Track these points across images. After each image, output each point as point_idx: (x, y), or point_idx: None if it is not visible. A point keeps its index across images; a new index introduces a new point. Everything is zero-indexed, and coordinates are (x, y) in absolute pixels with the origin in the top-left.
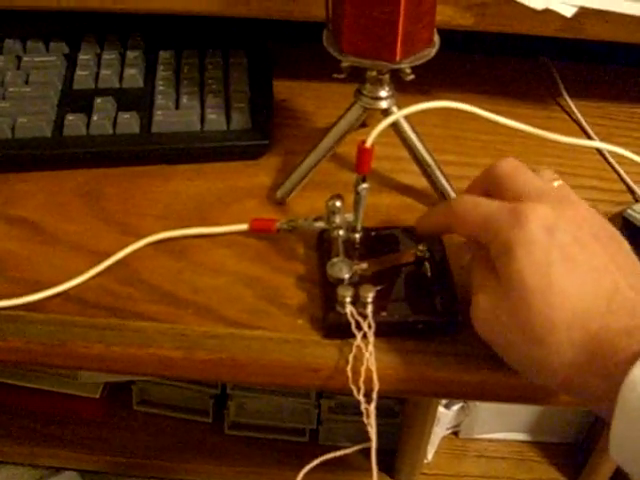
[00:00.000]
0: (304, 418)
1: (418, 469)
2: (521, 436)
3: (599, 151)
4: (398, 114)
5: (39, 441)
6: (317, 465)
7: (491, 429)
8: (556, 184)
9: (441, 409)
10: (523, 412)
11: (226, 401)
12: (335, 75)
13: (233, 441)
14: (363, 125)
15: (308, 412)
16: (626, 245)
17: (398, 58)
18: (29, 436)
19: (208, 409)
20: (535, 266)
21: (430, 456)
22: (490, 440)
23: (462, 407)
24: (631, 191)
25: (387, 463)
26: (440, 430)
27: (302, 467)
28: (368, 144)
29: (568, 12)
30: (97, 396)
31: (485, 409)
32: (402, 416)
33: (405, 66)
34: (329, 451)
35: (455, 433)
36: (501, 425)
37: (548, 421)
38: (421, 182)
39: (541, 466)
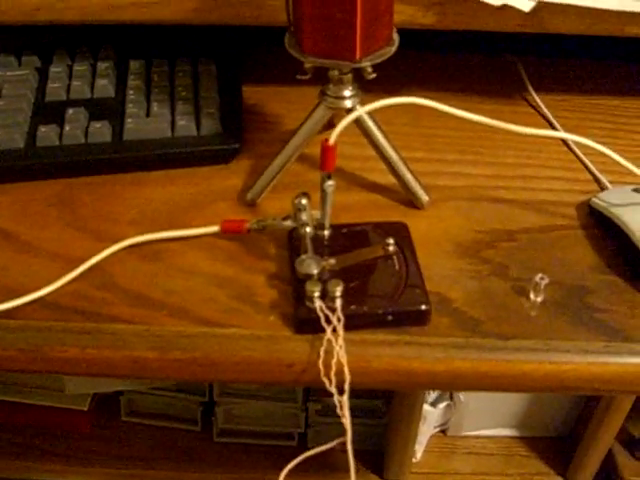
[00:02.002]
0: (292, 422)
1: (407, 468)
2: (509, 432)
3: (565, 142)
4: (360, 110)
5: (28, 455)
6: (304, 467)
7: (479, 426)
8: None
9: (427, 407)
10: (510, 408)
11: (213, 408)
12: (299, 76)
13: (222, 448)
14: (331, 126)
15: (295, 416)
16: None
17: (358, 57)
18: (18, 451)
19: (196, 417)
20: None
21: (419, 455)
22: (478, 437)
23: (448, 405)
24: (597, 180)
25: (376, 463)
26: (428, 429)
27: (292, 471)
28: (331, 142)
29: (526, 7)
30: (85, 408)
31: (472, 406)
32: (388, 416)
33: (366, 65)
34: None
35: (443, 431)
36: (488, 422)
37: (535, 416)
38: (388, 180)
39: (530, 461)
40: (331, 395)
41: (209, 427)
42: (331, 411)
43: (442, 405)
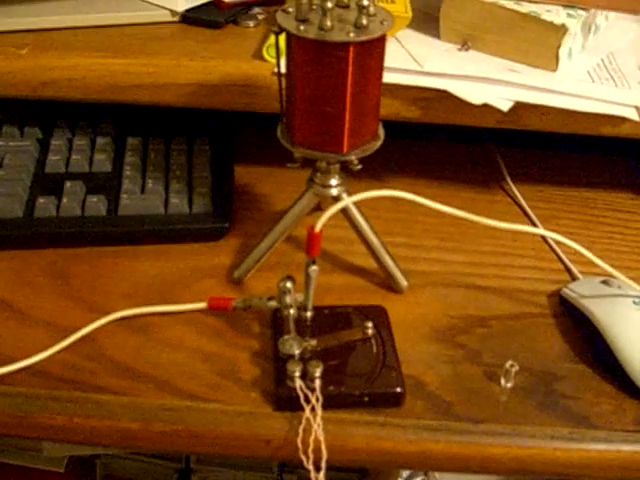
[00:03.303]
0: None
1: None
2: None
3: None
4: (346, 201)
5: None
6: None
7: None
8: None
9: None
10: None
11: (190, 476)
12: (289, 165)
13: None
14: (318, 208)
15: None
16: None
17: (345, 151)
18: None
19: None
20: None
21: None
22: None
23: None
24: (568, 270)
25: None
26: None
27: None
28: (317, 229)
29: (505, 106)
30: (62, 470)
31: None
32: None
33: (352, 158)
34: None
35: None
36: None
37: None
38: (371, 263)
39: None
40: (306, 468)
41: None
42: None
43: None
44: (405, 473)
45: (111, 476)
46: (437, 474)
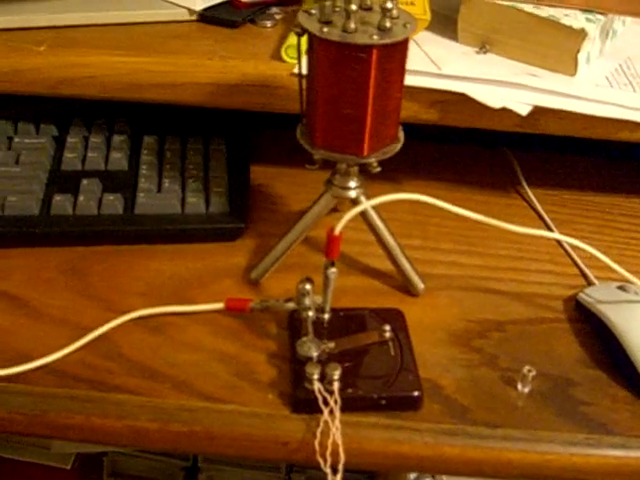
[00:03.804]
0: None
1: None
2: None
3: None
4: (366, 204)
5: None
6: None
7: None
8: None
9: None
10: None
11: (197, 474)
12: (308, 166)
13: None
14: (335, 210)
15: None
16: None
17: (366, 153)
18: None
19: None
20: None
21: None
22: None
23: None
24: (584, 275)
25: None
26: None
27: None
28: (336, 232)
29: (523, 110)
30: (68, 467)
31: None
32: None
33: (372, 160)
34: None
35: None
36: None
37: None
38: (387, 265)
39: None
40: (314, 468)
41: None
42: None
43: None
44: (413, 475)
45: (118, 473)
46: (444, 476)
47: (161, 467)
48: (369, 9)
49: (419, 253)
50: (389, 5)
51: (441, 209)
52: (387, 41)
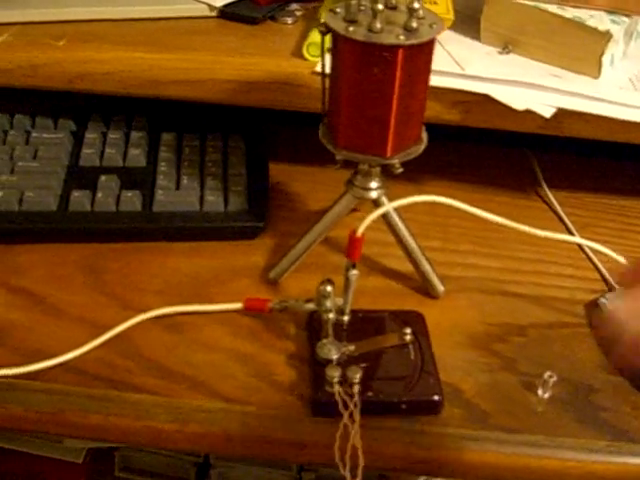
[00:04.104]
0: None
1: None
2: None
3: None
4: (388, 206)
5: None
6: None
7: None
8: None
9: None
10: None
11: (208, 470)
12: (330, 166)
13: None
14: (353, 210)
15: None
16: None
17: (389, 154)
18: None
19: (190, 477)
20: None
21: None
22: None
23: None
24: (604, 279)
25: None
26: None
27: None
28: (359, 233)
29: (547, 112)
30: (80, 461)
31: None
32: None
33: (395, 162)
34: None
35: None
36: None
37: None
38: (407, 267)
39: None
40: (326, 465)
41: None
42: None
43: None
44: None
45: (130, 468)
46: None
47: (173, 463)
48: (394, 8)
49: (438, 255)
50: (416, 5)
51: (460, 210)
52: (413, 41)
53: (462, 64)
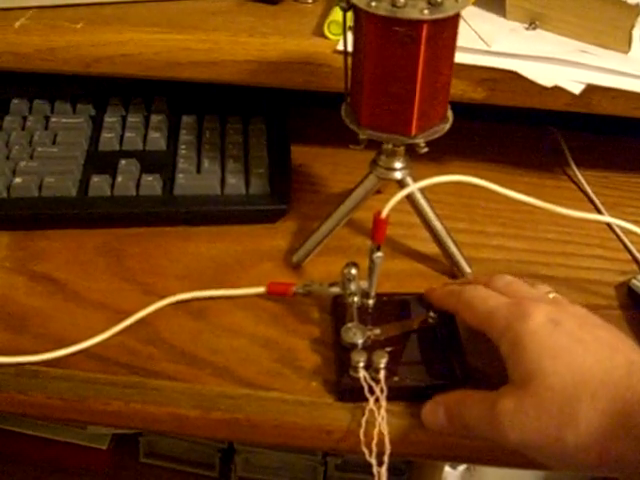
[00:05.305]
0: (310, 475)
1: None
2: None
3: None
4: (413, 187)
5: None
6: None
7: None
8: (551, 296)
9: (447, 469)
10: (529, 472)
11: (233, 455)
12: (352, 146)
13: None
14: (377, 191)
15: (314, 469)
16: (623, 334)
17: (414, 133)
18: None
19: (215, 463)
20: (547, 351)
21: None
22: None
23: (468, 468)
24: (636, 261)
25: None
26: None
27: None
28: (383, 215)
29: (576, 89)
30: (104, 447)
31: (491, 469)
32: (408, 475)
33: (420, 141)
34: None
35: None
36: None
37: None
38: (432, 248)
39: None
40: (351, 452)
41: (227, 474)
42: (350, 467)
43: (461, 467)
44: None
45: (154, 454)
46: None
47: (198, 449)
48: None
49: (464, 236)
50: None
51: (487, 190)
52: (438, 16)
53: (487, 40)
